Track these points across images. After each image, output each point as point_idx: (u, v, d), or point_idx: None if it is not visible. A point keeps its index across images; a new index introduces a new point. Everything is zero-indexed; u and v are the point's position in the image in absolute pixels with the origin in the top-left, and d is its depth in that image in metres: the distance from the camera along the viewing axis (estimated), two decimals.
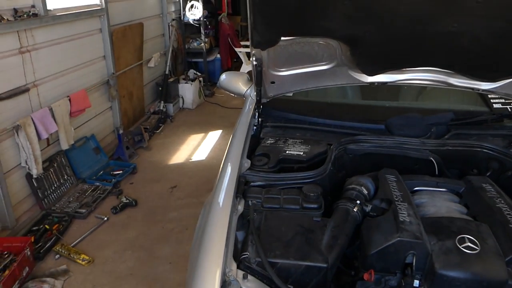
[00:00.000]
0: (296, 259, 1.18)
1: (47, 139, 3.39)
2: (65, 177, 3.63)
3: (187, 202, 3.59)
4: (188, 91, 6.00)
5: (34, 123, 3.14)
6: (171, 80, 5.81)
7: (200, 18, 6.40)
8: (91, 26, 4.05)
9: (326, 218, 1.34)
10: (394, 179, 1.44)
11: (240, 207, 1.41)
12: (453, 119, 1.91)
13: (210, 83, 6.77)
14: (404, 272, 1.16)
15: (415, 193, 1.46)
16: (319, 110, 2.15)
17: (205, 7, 6.49)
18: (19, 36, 3.05)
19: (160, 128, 5.24)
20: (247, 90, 2.48)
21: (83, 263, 2.81)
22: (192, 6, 6.35)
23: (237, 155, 1.66)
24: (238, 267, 1.18)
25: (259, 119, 2.05)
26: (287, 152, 1.71)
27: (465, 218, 1.29)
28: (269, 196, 1.45)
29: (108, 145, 4.44)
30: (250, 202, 1.43)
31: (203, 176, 4.01)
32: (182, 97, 5.98)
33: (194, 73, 6.28)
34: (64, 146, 3.54)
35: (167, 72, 5.78)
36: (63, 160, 3.63)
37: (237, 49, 7.04)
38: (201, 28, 6.51)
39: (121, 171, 4.02)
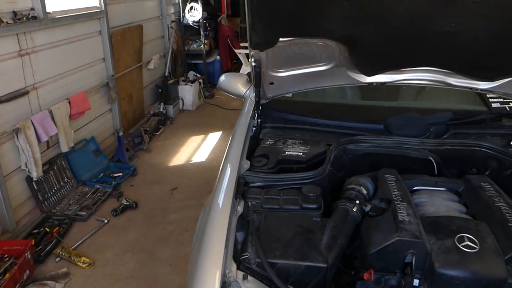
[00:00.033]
0: (296, 259, 1.18)
1: (47, 141, 3.40)
2: (65, 179, 3.63)
3: (187, 204, 3.59)
4: (187, 92, 6.01)
5: (33, 125, 3.14)
6: (170, 82, 5.82)
7: (199, 19, 6.41)
8: (90, 29, 4.06)
9: (326, 218, 1.34)
10: (393, 178, 1.44)
11: (240, 208, 1.41)
12: (452, 118, 1.91)
13: (210, 84, 6.78)
14: (403, 271, 1.16)
15: (415, 192, 1.46)
16: (318, 111, 2.16)
17: (204, 8, 6.50)
18: (18, 39, 3.06)
19: (160, 130, 5.25)
20: (246, 91, 2.48)
21: (84, 265, 2.81)
22: (191, 7, 6.36)
23: (237, 156, 1.66)
24: (238, 268, 1.18)
25: (259, 120, 2.05)
26: (286, 152, 1.71)
27: (464, 217, 1.30)
28: (269, 196, 1.45)
29: (108, 147, 4.44)
30: (249, 203, 1.43)
31: (203, 177, 4.01)
32: (182, 98, 5.99)
33: (194, 75, 6.29)
34: (64, 148, 3.54)
35: (166, 74, 5.79)
36: (63, 162, 3.63)
37: (236, 51, 7.05)
38: (201, 30, 6.52)
39: (121, 173, 4.02)
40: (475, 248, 1.10)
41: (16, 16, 3.03)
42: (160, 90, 5.64)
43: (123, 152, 4.31)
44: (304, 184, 1.49)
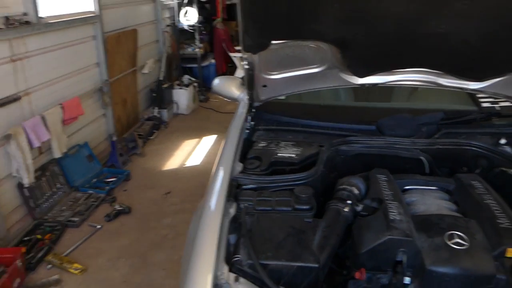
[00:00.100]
0: (288, 260, 1.17)
1: (39, 147, 3.37)
2: (58, 185, 3.60)
3: (181, 208, 3.57)
4: (182, 96, 6.01)
5: (25, 131, 3.11)
6: (165, 86, 5.81)
7: (194, 23, 6.42)
8: (84, 33, 4.05)
9: (318, 219, 1.33)
10: (385, 178, 1.44)
11: (232, 211, 1.41)
12: (443, 118, 1.93)
13: (204, 88, 6.78)
14: (395, 269, 1.16)
15: (406, 192, 1.46)
16: (311, 113, 2.16)
17: (200, 12, 6.52)
18: (10, 44, 3.04)
19: (154, 134, 5.23)
20: (240, 94, 2.48)
21: (76, 272, 2.78)
22: (186, 12, 6.37)
23: (230, 159, 1.66)
24: (230, 270, 1.17)
25: (252, 122, 2.05)
26: (279, 154, 1.71)
27: (455, 215, 1.30)
28: (261, 198, 1.44)
29: (101, 153, 4.42)
30: (242, 205, 1.42)
31: (198, 181, 4.00)
32: (176, 102, 5.98)
33: (189, 79, 6.29)
34: (57, 154, 3.51)
35: (161, 78, 5.79)
36: (55, 168, 3.60)
37: (231, 54, 7.07)
38: (196, 34, 6.53)
39: (114, 178, 4.00)
40: (465, 245, 1.11)
41: (8, 21, 3.01)
42: (154, 95, 5.63)
43: (116, 157, 4.29)
44: (296, 186, 1.49)
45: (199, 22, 6.48)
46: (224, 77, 2.83)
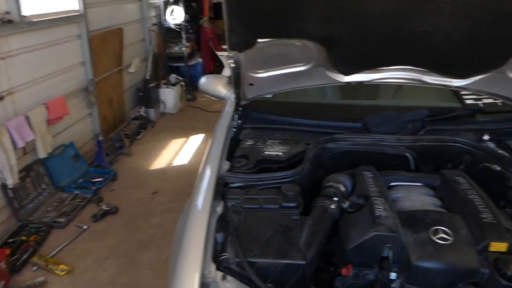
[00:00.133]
0: (275, 257, 1.17)
1: (24, 147, 3.30)
2: (43, 186, 3.53)
3: (168, 207, 3.55)
4: (169, 95, 5.96)
5: (9, 131, 3.04)
6: (152, 85, 5.76)
7: (181, 22, 6.37)
8: (69, 32, 3.98)
9: (305, 216, 1.34)
10: (371, 175, 1.46)
11: (219, 209, 1.40)
12: (428, 115, 1.95)
13: (191, 87, 6.73)
14: (381, 265, 1.18)
15: (392, 188, 1.48)
16: (298, 111, 2.17)
17: (186, 11, 6.47)
18: None
19: (141, 134, 5.18)
20: (227, 92, 2.47)
21: (62, 273, 2.73)
22: (173, 10, 6.32)
23: (217, 158, 1.65)
24: (217, 269, 1.17)
25: (239, 121, 2.05)
26: (266, 152, 1.71)
27: (439, 210, 1.32)
28: (249, 196, 1.44)
29: (87, 152, 4.35)
30: (229, 203, 1.42)
31: (185, 180, 3.98)
32: (163, 102, 5.93)
33: (176, 78, 6.24)
34: (42, 154, 3.45)
35: (148, 77, 5.73)
36: (40, 169, 3.54)
37: (218, 53, 7.03)
38: (182, 33, 6.48)
39: (101, 178, 3.94)
40: (449, 240, 1.13)
41: None
42: (141, 94, 5.57)
43: (103, 156, 4.24)
44: (283, 183, 1.49)
45: (185, 20, 6.43)
46: (211, 76, 2.81)
